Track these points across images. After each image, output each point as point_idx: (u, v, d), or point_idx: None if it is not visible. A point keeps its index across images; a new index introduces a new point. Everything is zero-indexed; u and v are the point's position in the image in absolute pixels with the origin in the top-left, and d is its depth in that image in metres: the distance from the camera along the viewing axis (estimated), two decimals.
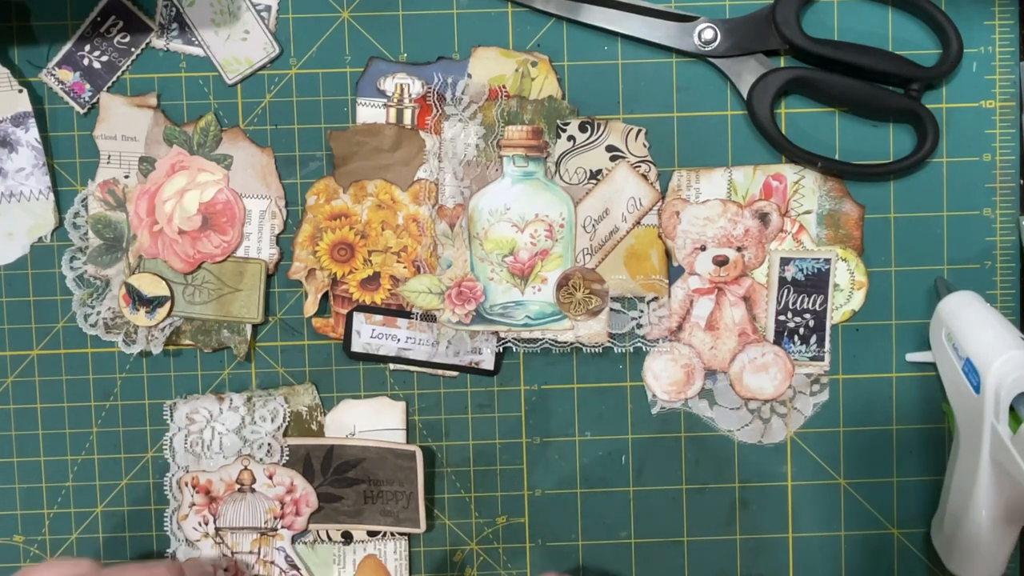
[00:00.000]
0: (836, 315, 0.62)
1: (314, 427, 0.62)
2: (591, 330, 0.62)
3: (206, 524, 0.62)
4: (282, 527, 0.62)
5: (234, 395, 0.62)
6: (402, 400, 0.63)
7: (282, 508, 0.62)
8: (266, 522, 0.62)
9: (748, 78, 0.61)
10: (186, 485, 0.62)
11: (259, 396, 0.62)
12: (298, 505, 0.62)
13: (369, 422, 0.62)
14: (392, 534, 0.63)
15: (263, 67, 0.62)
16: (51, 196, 0.62)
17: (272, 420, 0.62)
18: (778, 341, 0.62)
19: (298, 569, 0.62)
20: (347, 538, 0.63)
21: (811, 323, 0.62)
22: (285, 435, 0.62)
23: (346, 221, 0.62)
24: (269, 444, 0.62)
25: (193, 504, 0.62)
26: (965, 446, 0.57)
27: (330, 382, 0.63)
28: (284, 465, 0.62)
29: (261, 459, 0.62)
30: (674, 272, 0.62)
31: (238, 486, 0.62)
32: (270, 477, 0.62)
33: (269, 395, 0.62)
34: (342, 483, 0.62)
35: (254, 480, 0.62)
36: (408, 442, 0.62)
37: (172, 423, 0.62)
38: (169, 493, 0.62)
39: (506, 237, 0.61)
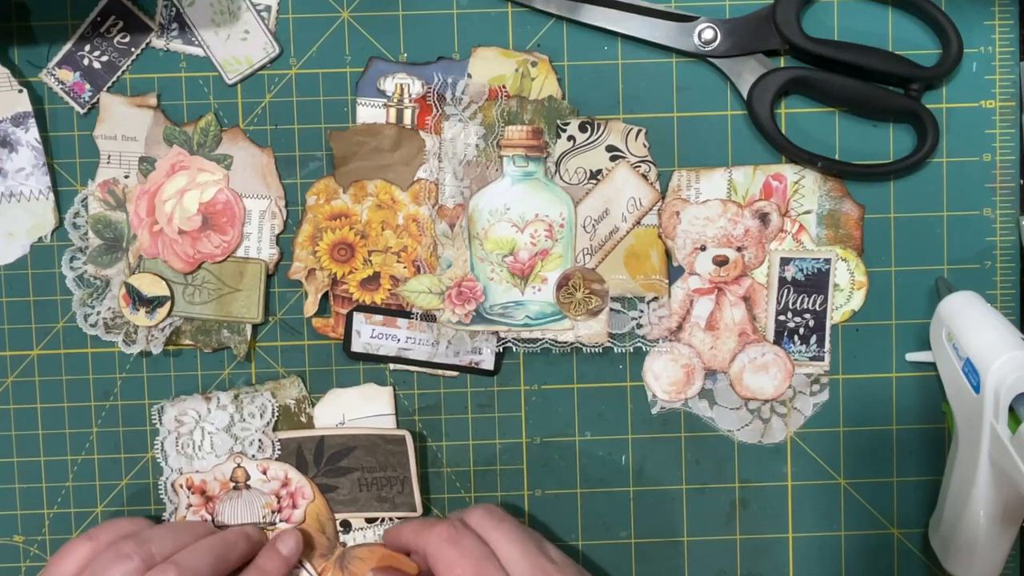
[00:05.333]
0: (836, 315, 0.62)
1: (303, 419, 0.63)
2: (591, 330, 0.62)
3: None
4: (280, 520, 0.62)
5: (221, 393, 0.62)
6: (389, 385, 0.63)
7: (279, 502, 0.62)
8: (264, 517, 0.62)
9: (748, 78, 0.61)
10: (181, 487, 0.62)
11: (246, 393, 0.62)
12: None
13: (358, 409, 0.62)
14: (390, 519, 0.63)
15: (263, 67, 0.62)
16: (51, 196, 0.62)
17: (261, 416, 0.62)
18: (778, 341, 0.62)
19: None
20: (346, 527, 0.63)
21: (811, 323, 0.62)
22: (275, 429, 0.62)
23: (346, 221, 0.62)
24: (260, 440, 0.62)
25: (190, 505, 0.62)
26: (964, 446, 0.57)
27: (330, 382, 0.63)
28: (277, 459, 0.62)
29: (253, 455, 0.62)
30: (674, 272, 0.62)
31: (233, 484, 0.62)
32: (264, 472, 0.62)
33: (256, 391, 0.62)
34: (336, 473, 0.62)
35: (248, 477, 0.62)
36: (398, 426, 0.62)
37: (161, 427, 0.62)
38: (165, 496, 0.62)
39: (506, 237, 0.61)
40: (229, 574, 0.58)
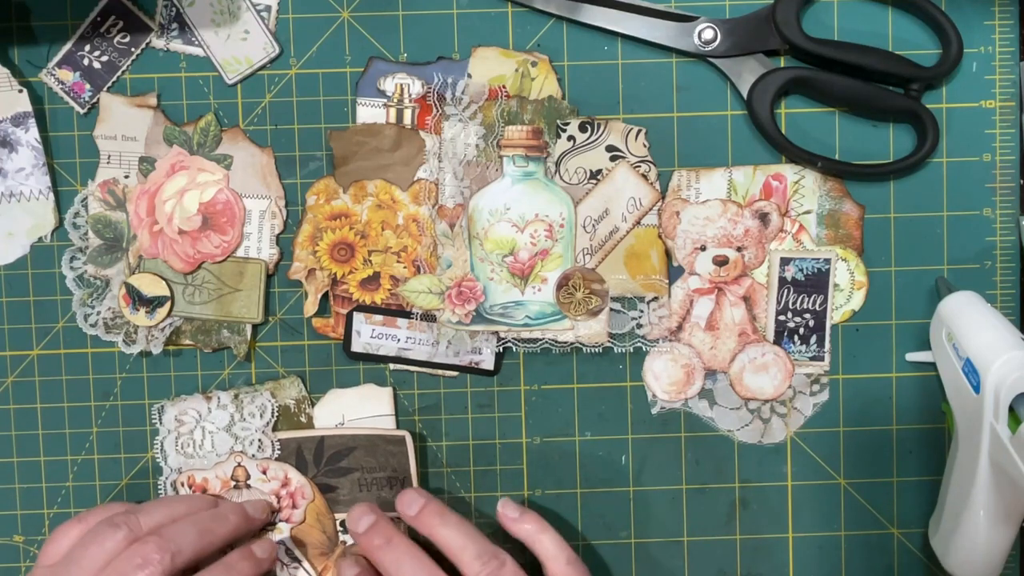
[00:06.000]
0: (836, 315, 0.62)
1: (303, 419, 0.63)
2: (591, 330, 0.62)
3: None
4: (280, 520, 0.62)
5: (221, 393, 0.62)
6: (389, 385, 0.63)
7: (279, 502, 0.62)
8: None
9: (748, 78, 0.61)
10: (182, 485, 0.62)
11: (246, 392, 0.62)
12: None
13: (357, 410, 0.62)
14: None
15: (263, 67, 0.62)
16: (51, 196, 0.62)
17: (261, 416, 0.62)
18: (778, 341, 0.62)
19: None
20: (346, 527, 0.63)
21: (811, 323, 0.62)
22: (275, 429, 0.62)
23: (346, 221, 0.62)
24: (260, 440, 0.62)
25: None
26: (964, 446, 0.57)
27: (330, 382, 0.63)
28: (276, 459, 0.62)
29: (253, 455, 0.62)
30: (674, 272, 0.62)
31: (234, 483, 0.62)
32: (264, 472, 0.62)
33: (256, 391, 0.62)
34: (335, 473, 0.62)
35: (248, 476, 0.62)
36: (398, 426, 0.62)
37: (161, 426, 0.62)
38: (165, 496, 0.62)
39: (506, 237, 0.61)
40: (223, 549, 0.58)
